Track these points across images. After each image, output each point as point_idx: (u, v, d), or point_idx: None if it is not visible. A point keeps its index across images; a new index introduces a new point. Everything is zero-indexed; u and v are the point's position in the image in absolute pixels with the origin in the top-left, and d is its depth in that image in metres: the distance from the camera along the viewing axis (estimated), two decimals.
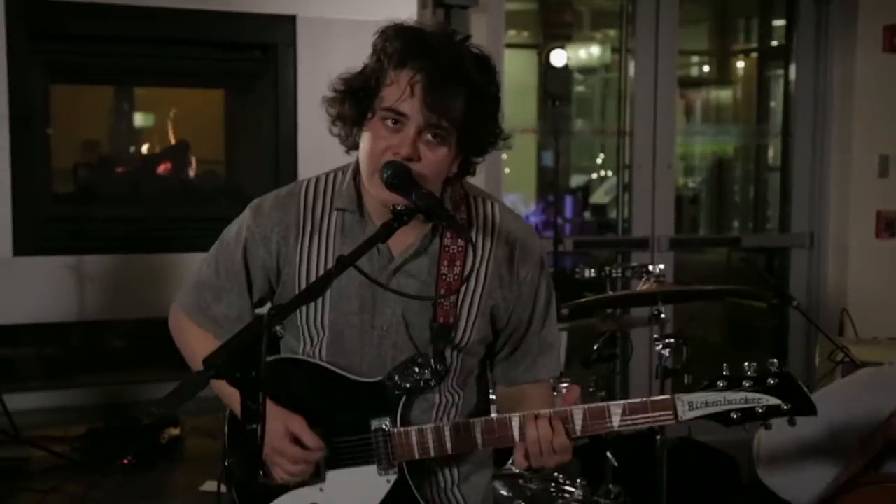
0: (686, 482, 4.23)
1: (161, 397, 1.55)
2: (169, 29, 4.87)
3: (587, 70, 7.08)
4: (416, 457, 2.08)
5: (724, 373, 2.01)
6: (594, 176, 7.15)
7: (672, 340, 3.56)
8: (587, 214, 7.16)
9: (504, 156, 5.99)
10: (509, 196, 6.51)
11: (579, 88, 7.11)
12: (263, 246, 2.14)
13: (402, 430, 2.08)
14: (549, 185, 6.00)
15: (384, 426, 2.08)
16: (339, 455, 2.12)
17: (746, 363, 2.01)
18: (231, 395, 1.96)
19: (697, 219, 7.05)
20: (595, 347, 4.03)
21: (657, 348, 3.64)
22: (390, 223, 1.93)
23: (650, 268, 3.88)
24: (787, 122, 6.29)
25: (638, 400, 2.02)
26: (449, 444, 2.06)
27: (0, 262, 4.52)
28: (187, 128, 5.59)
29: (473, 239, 2.11)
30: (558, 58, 5.08)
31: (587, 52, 7.00)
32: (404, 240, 2.08)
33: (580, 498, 3.36)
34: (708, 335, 6.54)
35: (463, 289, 2.10)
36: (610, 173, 6.70)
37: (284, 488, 2.14)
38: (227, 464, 2.15)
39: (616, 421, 2.01)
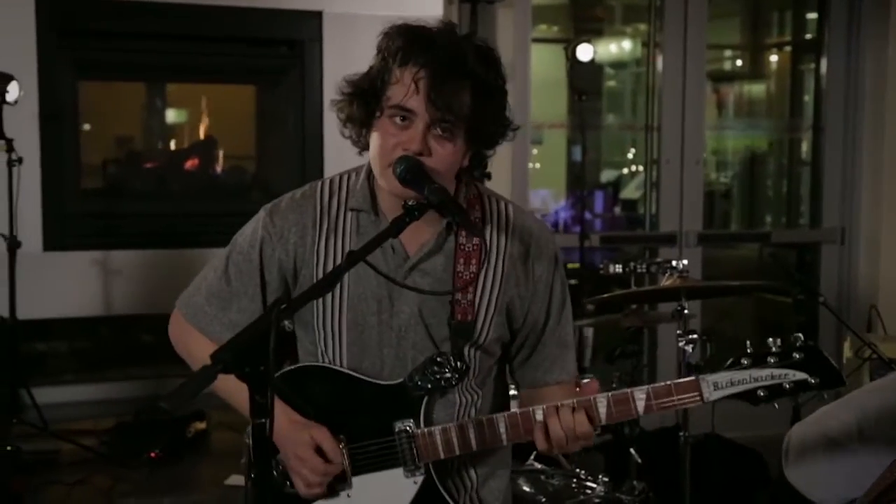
0: (711, 478, 4.20)
1: (167, 393, 1.55)
2: (196, 25, 4.93)
3: (618, 65, 7.04)
4: (442, 456, 2.08)
5: (748, 350, 1.96)
6: (625, 171, 7.10)
7: (695, 336, 3.54)
8: (617, 209, 7.11)
9: (534, 151, 5.96)
10: (539, 191, 6.48)
11: (610, 83, 7.07)
12: (280, 246, 2.12)
13: (425, 430, 2.07)
14: (578, 180, 5.98)
15: (408, 428, 2.08)
16: (365, 460, 2.11)
17: (771, 339, 1.96)
18: (234, 393, 1.97)
19: (729, 214, 7.00)
20: (619, 343, 4.01)
21: (680, 344, 3.62)
22: (401, 218, 1.92)
23: (674, 263, 3.86)
24: (819, 116, 6.23)
25: (661, 384, 1.99)
26: (474, 441, 2.06)
27: (30, 258, 4.56)
28: (218, 124, 5.63)
29: (487, 236, 2.11)
30: (585, 52, 5.04)
31: (618, 47, 6.95)
32: (419, 238, 2.08)
33: (603, 494, 3.31)
34: (738, 332, 6.48)
35: (479, 286, 2.10)
36: (640, 168, 6.67)
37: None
38: (252, 476, 2.14)
39: (641, 406, 2.00)
